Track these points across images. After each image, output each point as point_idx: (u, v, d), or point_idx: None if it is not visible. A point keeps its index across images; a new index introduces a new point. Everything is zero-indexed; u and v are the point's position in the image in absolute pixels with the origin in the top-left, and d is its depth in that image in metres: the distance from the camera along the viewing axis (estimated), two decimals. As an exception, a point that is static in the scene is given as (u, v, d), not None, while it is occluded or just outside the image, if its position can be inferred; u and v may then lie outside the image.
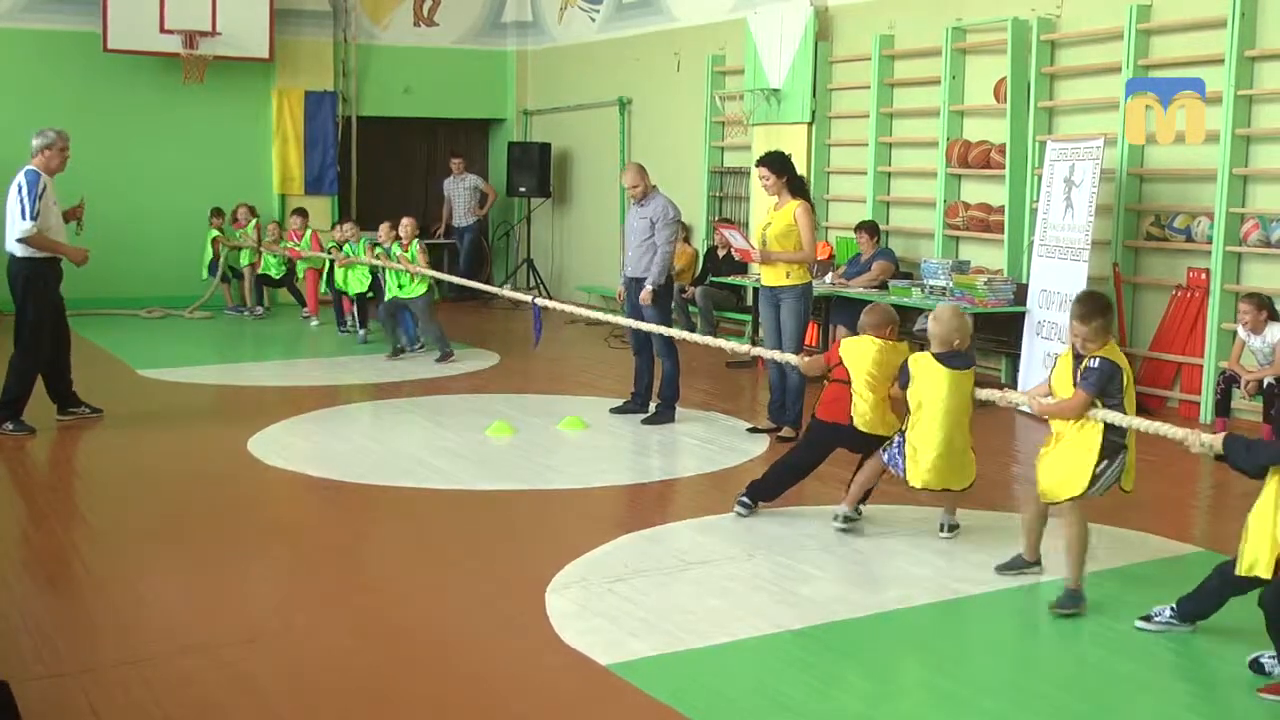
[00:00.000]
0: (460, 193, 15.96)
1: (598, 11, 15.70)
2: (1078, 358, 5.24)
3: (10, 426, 8.28)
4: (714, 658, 4.71)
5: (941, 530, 6.21)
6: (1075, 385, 5.18)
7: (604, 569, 5.66)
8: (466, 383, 10.55)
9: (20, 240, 8.18)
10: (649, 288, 8.68)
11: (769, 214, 8.50)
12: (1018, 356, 9.81)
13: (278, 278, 14.61)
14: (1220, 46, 8.80)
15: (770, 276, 8.41)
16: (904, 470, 5.94)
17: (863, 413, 6.23)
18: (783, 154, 8.46)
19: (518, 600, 5.29)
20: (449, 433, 8.58)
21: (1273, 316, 8.15)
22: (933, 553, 5.98)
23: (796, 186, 8.38)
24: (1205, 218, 9.05)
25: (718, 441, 8.39)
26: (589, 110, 15.82)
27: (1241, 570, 4.59)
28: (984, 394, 5.96)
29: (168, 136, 15.05)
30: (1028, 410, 5.90)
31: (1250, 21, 8.71)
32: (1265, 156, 8.81)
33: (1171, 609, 4.99)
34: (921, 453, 5.85)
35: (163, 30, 14.37)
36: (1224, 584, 4.79)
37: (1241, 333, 8.28)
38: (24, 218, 8.13)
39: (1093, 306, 5.21)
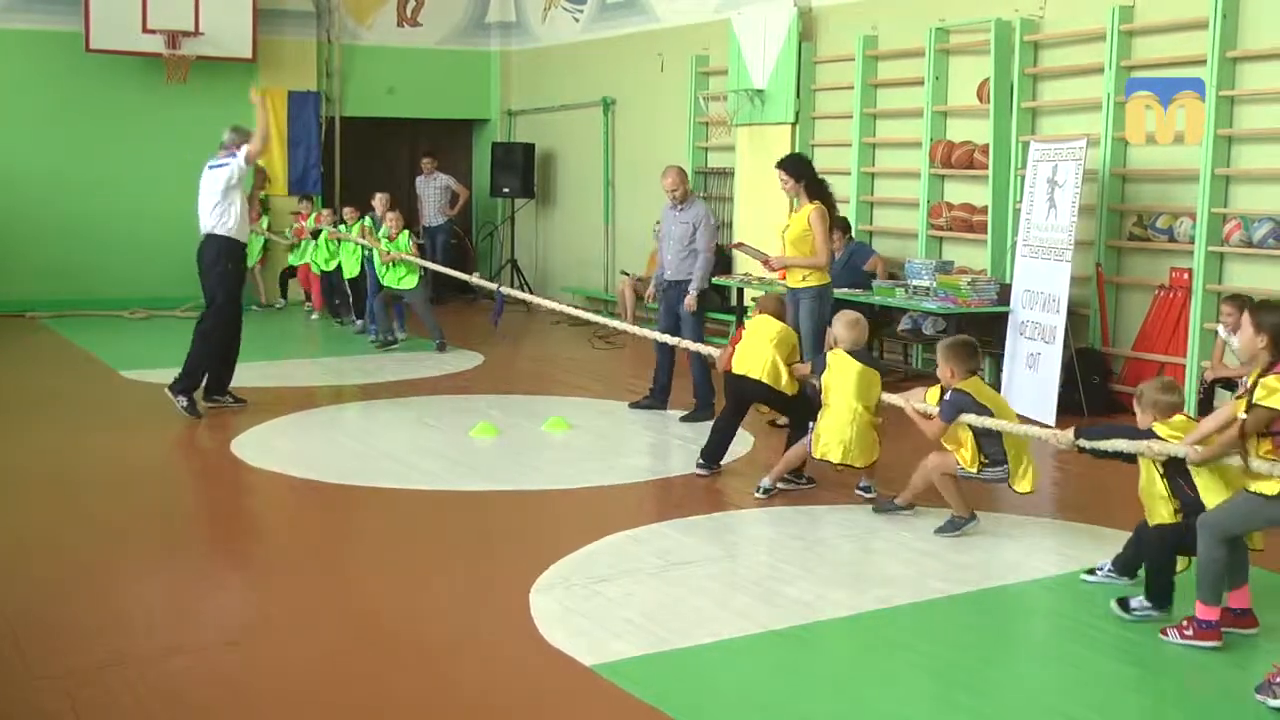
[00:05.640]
0: (430, 192, 15.84)
1: (581, 12, 15.69)
2: (944, 391, 6.09)
3: (184, 402, 8.66)
4: (698, 658, 4.72)
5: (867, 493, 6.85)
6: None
7: (588, 569, 5.67)
8: (451, 383, 10.54)
9: (246, 160, 8.61)
10: (693, 293, 8.81)
11: (788, 217, 8.72)
12: (1001, 356, 9.83)
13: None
14: (1202, 47, 8.82)
15: (789, 277, 8.67)
16: (811, 446, 6.65)
17: (764, 367, 7.02)
18: (802, 156, 8.69)
19: (502, 601, 5.28)
20: (433, 433, 8.57)
21: (1252, 315, 8.23)
22: (915, 553, 6.00)
23: (815, 189, 8.53)
24: (1188, 218, 9.08)
25: (702, 441, 8.37)
26: (573, 111, 15.80)
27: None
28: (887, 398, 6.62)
29: (150, 136, 14.96)
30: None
31: (1232, 22, 8.74)
32: (1247, 157, 8.84)
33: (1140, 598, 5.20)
34: (827, 432, 6.55)
35: (145, 30, 14.31)
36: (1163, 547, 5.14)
37: (1223, 333, 8.34)
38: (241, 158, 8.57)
39: (939, 353, 6.15)
